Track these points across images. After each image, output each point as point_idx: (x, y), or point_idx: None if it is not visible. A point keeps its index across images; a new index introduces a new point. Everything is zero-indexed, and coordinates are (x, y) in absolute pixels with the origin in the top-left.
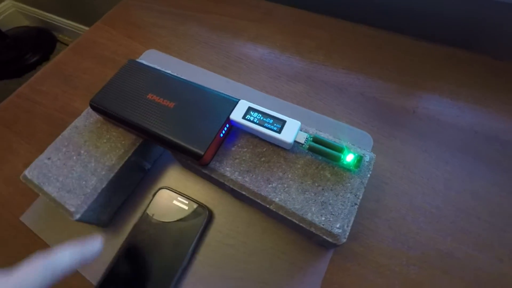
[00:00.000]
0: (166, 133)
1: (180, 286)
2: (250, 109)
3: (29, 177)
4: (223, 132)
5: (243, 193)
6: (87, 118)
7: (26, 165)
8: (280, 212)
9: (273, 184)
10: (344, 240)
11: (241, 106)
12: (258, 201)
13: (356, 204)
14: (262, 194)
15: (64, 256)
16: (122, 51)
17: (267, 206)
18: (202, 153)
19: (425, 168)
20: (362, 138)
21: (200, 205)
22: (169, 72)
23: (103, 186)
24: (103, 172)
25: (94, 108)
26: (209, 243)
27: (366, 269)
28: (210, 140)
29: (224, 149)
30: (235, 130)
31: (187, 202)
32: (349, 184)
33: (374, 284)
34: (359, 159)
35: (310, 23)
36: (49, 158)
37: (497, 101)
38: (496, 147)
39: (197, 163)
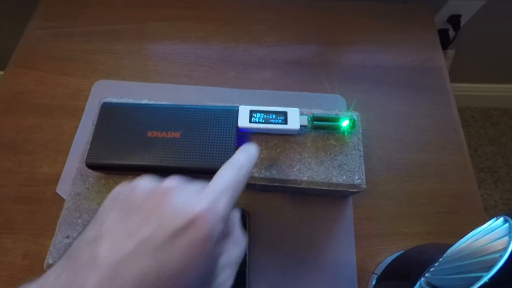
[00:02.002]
0: (187, 163)
1: (252, 283)
2: (252, 112)
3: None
4: (236, 141)
5: (276, 184)
6: (85, 180)
7: (26, 256)
8: (312, 186)
9: (297, 167)
10: (364, 186)
11: (243, 112)
12: (290, 185)
13: (361, 156)
14: (292, 178)
15: (242, 157)
16: (63, 92)
17: (299, 186)
18: None
19: (387, 107)
20: (336, 101)
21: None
22: (151, 102)
23: None
24: None
25: (94, 167)
26: (257, 238)
27: (378, 198)
28: (232, 153)
29: None
30: (243, 134)
31: None
32: (351, 143)
33: (387, 205)
34: (353, 122)
35: (252, 7)
36: (67, 237)
37: (415, 38)
38: (422, 73)
39: None
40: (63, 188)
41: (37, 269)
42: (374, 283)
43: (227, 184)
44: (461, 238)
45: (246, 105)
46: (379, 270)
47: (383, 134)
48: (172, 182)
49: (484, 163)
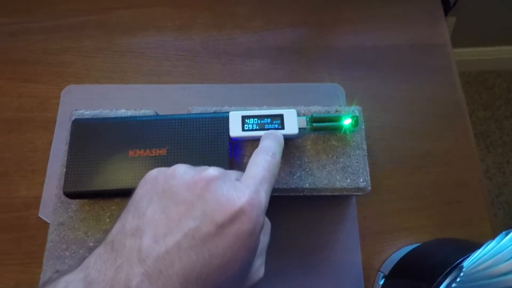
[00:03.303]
0: None
1: None
2: (244, 118)
3: None
4: (230, 152)
5: (275, 194)
6: (67, 207)
7: (18, 286)
8: (314, 193)
9: (297, 174)
10: (370, 188)
11: (234, 119)
12: (291, 194)
13: (365, 155)
14: (292, 187)
15: (272, 144)
16: (29, 102)
17: (301, 194)
18: None
19: (389, 94)
20: (334, 91)
21: None
22: (129, 111)
23: None
24: None
25: (73, 196)
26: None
27: (381, 194)
28: (227, 168)
29: (236, 165)
30: (236, 143)
31: None
32: (354, 142)
33: (391, 200)
34: (356, 120)
35: None
36: (57, 271)
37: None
38: (424, 52)
39: None
40: (46, 212)
41: None
42: (381, 283)
43: (264, 174)
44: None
45: (236, 108)
46: (384, 268)
47: (385, 124)
48: (212, 171)
49: (477, 128)
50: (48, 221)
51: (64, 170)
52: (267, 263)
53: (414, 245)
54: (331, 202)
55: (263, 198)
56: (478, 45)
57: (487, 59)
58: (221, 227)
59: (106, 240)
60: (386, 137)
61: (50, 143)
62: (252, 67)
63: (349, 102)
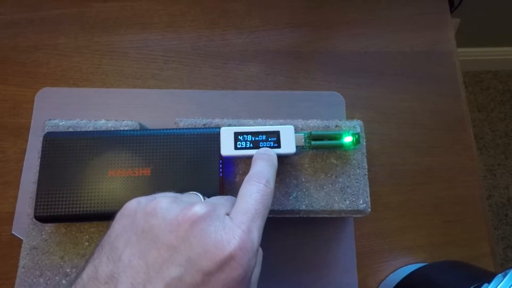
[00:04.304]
0: None
1: None
2: (237, 134)
3: None
4: (220, 171)
5: (269, 216)
6: (40, 229)
7: None
8: (311, 215)
9: (293, 195)
10: (370, 210)
11: (226, 136)
12: (286, 216)
13: (365, 174)
14: (288, 209)
15: (265, 169)
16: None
17: (296, 216)
18: None
19: (391, 104)
20: (333, 99)
21: None
22: (109, 122)
23: None
24: None
25: (45, 220)
26: None
27: (380, 212)
28: (217, 188)
29: (228, 184)
30: (228, 160)
31: None
32: (354, 161)
33: (390, 218)
34: (357, 137)
35: None
36: None
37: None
38: (429, 60)
39: None
40: (21, 228)
41: None
42: None
43: (257, 207)
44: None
45: (228, 120)
46: None
47: (386, 137)
48: (199, 209)
49: None
50: (23, 238)
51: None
52: (260, 284)
53: (413, 266)
54: (328, 218)
55: (256, 237)
56: (476, 45)
57: (484, 59)
58: (208, 275)
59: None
60: (386, 151)
61: (23, 152)
62: (246, 71)
63: (349, 112)
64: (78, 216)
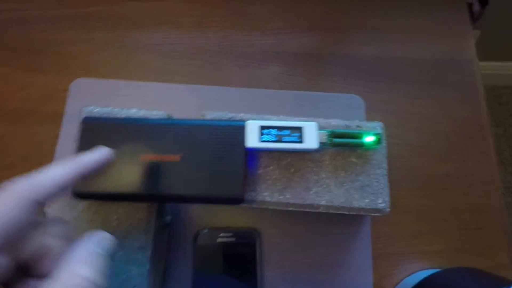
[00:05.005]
0: (189, 192)
1: None
2: (262, 128)
3: None
4: (245, 163)
5: (290, 209)
6: (73, 207)
7: None
8: (330, 211)
9: (314, 190)
10: (389, 210)
11: (252, 129)
12: (306, 210)
13: (385, 175)
14: (308, 203)
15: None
16: (36, 94)
17: (316, 210)
18: (242, 196)
19: (410, 109)
20: (353, 102)
21: (245, 231)
22: (141, 111)
23: (147, 268)
24: (139, 256)
25: (81, 196)
26: (269, 258)
27: (398, 214)
28: (241, 179)
29: (250, 176)
30: (251, 153)
31: (231, 234)
32: (374, 161)
33: (407, 221)
34: (379, 138)
35: None
36: None
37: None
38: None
39: (235, 205)
40: (53, 207)
41: None
42: None
43: None
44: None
45: (253, 116)
46: None
47: (404, 141)
48: None
49: None
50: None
51: None
52: (276, 279)
53: (429, 271)
54: (345, 218)
55: None
56: (495, 59)
57: (503, 74)
58: None
59: None
60: (404, 155)
61: (57, 137)
62: (268, 71)
63: (368, 115)
64: (110, 195)
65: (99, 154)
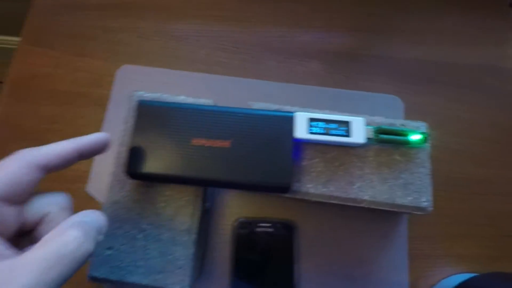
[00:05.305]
0: (238, 177)
1: None
2: (311, 120)
3: (99, 276)
4: (293, 153)
5: (333, 202)
6: (122, 187)
7: None
8: (373, 206)
9: (357, 184)
10: (431, 209)
11: (301, 120)
12: (349, 204)
13: (429, 174)
14: (351, 197)
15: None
16: (84, 77)
17: (359, 205)
18: (290, 185)
19: (450, 113)
20: (392, 102)
21: (283, 222)
22: (189, 99)
23: (192, 251)
24: (185, 238)
25: (135, 176)
26: (305, 251)
27: (435, 216)
28: (290, 168)
29: (296, 167)
30: (298, 144)
31: (269, 225)
32: (418, 160)
33: (444, 224)
34: (425, 137)
35: None
36: (110, 248)
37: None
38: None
39: (283, 193)
40: (94, 187)
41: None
42: None
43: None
44: None
45: (298, 108)
46: None
47: (444, 144)
48: None
49: None
50: (95, 197)
51: (126, 150)
52: (312, 272)
53: (466, 275)
54: (381, 216)
55: None
56: None
57: None
58: None
59: None
60: (443, 158)
61: (102, 120)
62: (308, 68)
63: (406, 116)
64: (163, 177)
65: (97, 137)
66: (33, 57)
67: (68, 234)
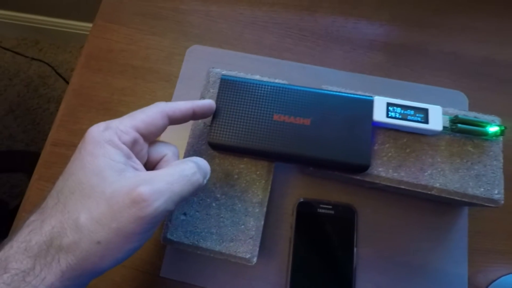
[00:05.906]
0: (318, 154)
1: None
2: (389, 105)
3: (175, 239)
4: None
5: (402, 187)
6: (198, 156)
7: None
8: (443, 194)
9: (428, 172)
10: (503, 202)
11: (379, 104)
12: (418, 190)
13: (501, 168)
14: (422, 183)
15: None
16: (155, 55)
17: (429, 192)
18: (369, 164)
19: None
20: (457, 98)
21: (344, 205)
22: (263, 78)
23: (262, 223)
24: (256, 210)
25: (215, 147)
26: (365, 236)
27: (497, 212)
28: (369, 149)
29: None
30: (373, 128)
31: (330, 207)
32: (491, 153)
33: (507, 220)
34: (503, 130)
35: None
36: (184, 214)
37: None
38: None
39: (357, 174)
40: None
41: (154, 239)
42: None
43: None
44: None
45: (381, 96)
46: None
47: (510, 143)
48: None
49: None
50: None
51: (206, 121)
52: (370, 257)
53: None
54: (442, 208)
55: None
56: None
57: None
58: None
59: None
60: (507, 155)
61: (170, 96)
62: (373, 59)
63: None
64: (243, 149)
65: (208, 102)
66: (108, 33)
67: (186, 163)
